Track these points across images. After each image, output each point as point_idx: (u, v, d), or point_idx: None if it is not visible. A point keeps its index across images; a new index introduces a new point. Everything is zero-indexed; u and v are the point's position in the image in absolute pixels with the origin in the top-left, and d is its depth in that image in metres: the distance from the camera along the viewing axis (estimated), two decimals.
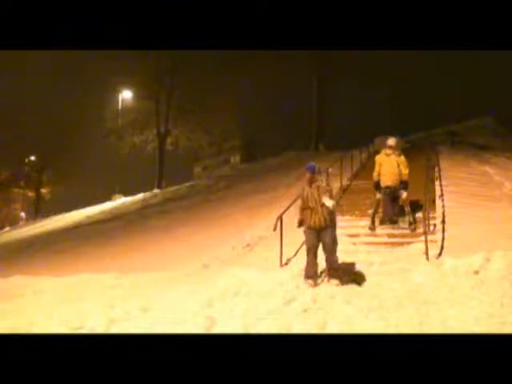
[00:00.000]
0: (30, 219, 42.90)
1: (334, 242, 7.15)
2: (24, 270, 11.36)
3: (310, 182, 7.31)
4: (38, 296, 7.91)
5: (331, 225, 7.15)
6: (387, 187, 9.83)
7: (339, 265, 7.11)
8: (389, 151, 10.08)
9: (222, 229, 12.57)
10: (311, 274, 6.97)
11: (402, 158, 10.05)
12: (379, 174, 10.01)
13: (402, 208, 9.93)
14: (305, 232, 7.29)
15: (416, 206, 10.10)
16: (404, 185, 9.85)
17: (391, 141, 10.17)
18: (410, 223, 9.70)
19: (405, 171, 9.87)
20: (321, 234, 7.08)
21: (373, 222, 9.96)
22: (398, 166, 9.89)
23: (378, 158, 10.17)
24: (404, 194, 9.85)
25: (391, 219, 9.81)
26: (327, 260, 7.10)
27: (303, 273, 7.06)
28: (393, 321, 4.75)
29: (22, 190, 47.79)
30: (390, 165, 9.93)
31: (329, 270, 7.07)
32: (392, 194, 9.83)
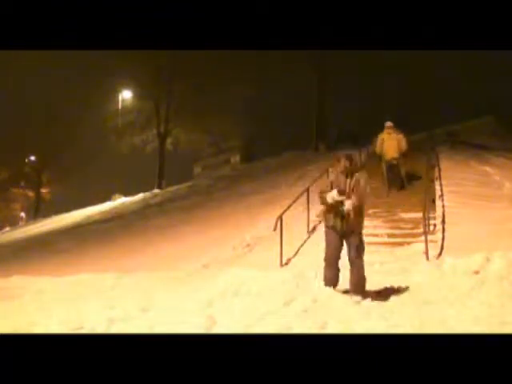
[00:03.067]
0: (30, 219, 42.92)
1: (360, 251, 6.03)
2: (24, 270, 11.36)
3: (347, 173, 6.07)
4: (38, 296, 7.91)
5: (358, 229, 6.04)
6: (389, 159, 12.31)
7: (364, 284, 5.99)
8: (390, 131, 12.51)
9: (222, 229, 12.58)
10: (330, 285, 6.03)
11: (401, 135, 12.52)
12: (382, 149, 12.49)
13: (402, 179, 12.43)
14: (325, 233, 6.23)
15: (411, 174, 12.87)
16: (403, 155, 12.40)
17: (388, 123, 12.65)
18: (402, 181, 12.37)
19: (404, 144, 12.35)
20: (345, 239, 6.03)
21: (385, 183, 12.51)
22: (398, 141, 12.30)
23: (381, 136, 12.63)
24: (402, 162, 12.43)
25: (395, 187, 12.26)
26: (352, 274, 6.02)
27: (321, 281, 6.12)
28: (393, 321, 4.75)
29: (21, 190, 47.77)
30: (391, 141, 12.35)
31: (354, 287, 5.98)
32: (393, 167, 12.31)
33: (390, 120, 12.85)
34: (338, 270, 6.10)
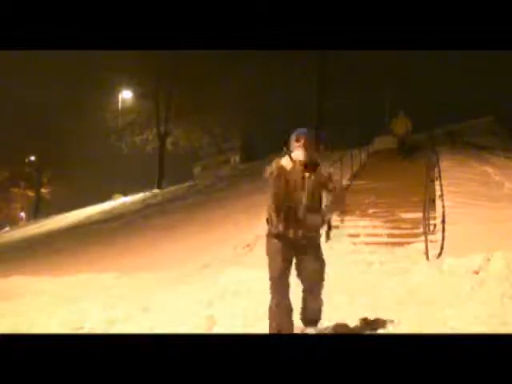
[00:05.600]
0: (30, 219, 42.96)
1: (322, 268, 4.24)
2: (24, 270, 11.38)
3: (305, 161, 4.10)
4: (38, 296, 7.91)
5: (317, 237, 4.28)
6: (399, 134, 17.90)
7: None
8: (401, 117, 18.01)
9: (222, 229, 12.58)
10: (284, 326, 4.09)
11: (408, 120, 17.94)
12: (395, 128, 18.08)
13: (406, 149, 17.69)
14: (269, 244, 4.20)
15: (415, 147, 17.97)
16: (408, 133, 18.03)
17: (401, 112, 18.16)
18: (406, 150, 17.55)
19: (409, 126, 17.86)
20: (300, 251, 4.14)
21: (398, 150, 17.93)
22: (406, 124, 17.85)
23: (395, 120, 18.19)
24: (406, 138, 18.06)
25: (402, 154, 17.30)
26: (307, 301, 4.31)
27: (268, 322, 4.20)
28: (393, 321, 4.75)
29: (21, 190, 47.83)
30: (401, 124, 17.93)
31: (305, 319, 4.38)
32: (401, 140, 17.93)
33: (401, 112, 18.58)
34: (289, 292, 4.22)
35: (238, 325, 4.91)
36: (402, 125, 18.25)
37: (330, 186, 4.19)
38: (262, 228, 10.91)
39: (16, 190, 47.92)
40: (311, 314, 4.36)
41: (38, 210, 44.06)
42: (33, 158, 45.78)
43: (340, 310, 5.26)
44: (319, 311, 4.38)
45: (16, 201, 49.87)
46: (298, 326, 4.33)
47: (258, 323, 4.92)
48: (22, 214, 51.08)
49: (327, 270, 4.30)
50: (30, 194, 47.29)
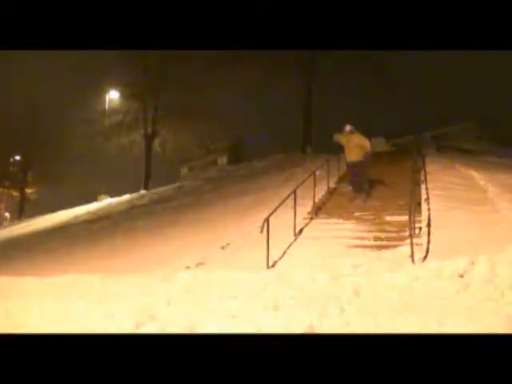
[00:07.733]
0: (14, 219, 42.53)
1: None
2: (9, 270, 11.27)
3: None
4: (24, 297, 7.85)
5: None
6: (351, 162, 12.25)
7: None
8: (349, 134, 12.30)
9: (209, 230, 12.57)
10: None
11: (359, 135, 12.27)
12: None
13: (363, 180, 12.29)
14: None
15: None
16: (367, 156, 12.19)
17: (347, 127, 12.34)
18: (366, 191, 12.18)
19: (366, 144, 12.13)
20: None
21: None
22: (359, 143, 12.08)
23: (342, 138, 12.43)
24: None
25: (356, 190, 12.29)
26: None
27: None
28: (377, 323, 4.79)
29: (6, 190, 47.31)
30: (349, 145, 12.20)
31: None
32: (354, 168, 12.18)
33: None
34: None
35: (228, 326, 4.91)
36: (353, 148, 12.19)
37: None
38: (249, 230, 10.86)
39: (0, 189, 47.39)
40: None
41: (23, 210, 43.63)
42: (18, 157, 45.33)
43: (329, 316, 5.26)
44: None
45: (0, 200, 49.32)
46: None
47: (245, 325, 4.93)
48: (7, 214, 50.55)
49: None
50: (15, 193, 46.77)
